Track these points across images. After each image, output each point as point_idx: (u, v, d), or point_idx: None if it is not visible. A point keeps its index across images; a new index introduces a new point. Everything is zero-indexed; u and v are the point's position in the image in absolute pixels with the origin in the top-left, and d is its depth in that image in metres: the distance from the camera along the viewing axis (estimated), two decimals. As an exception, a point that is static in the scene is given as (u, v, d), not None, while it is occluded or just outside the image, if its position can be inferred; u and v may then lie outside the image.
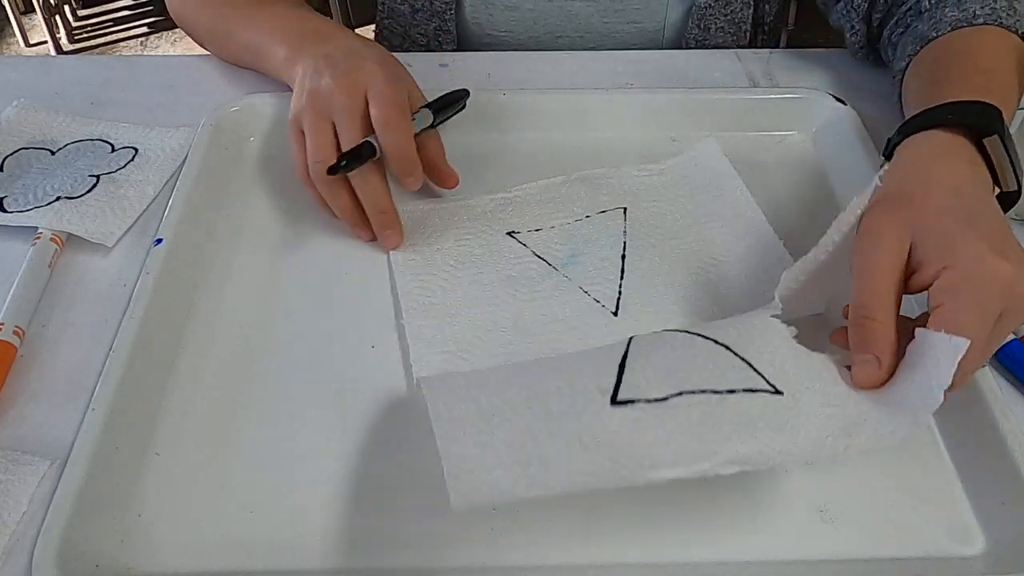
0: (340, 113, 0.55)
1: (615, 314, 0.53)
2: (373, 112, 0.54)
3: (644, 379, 0.41)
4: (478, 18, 0.78)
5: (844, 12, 0.68)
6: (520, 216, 0.59)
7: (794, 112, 0.66)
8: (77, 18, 2.45)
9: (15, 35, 2.30)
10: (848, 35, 0.69)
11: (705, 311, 0.53)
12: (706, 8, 0.75)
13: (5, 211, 0.58)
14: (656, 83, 0.69)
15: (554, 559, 0.42)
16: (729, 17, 0.76)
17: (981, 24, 0.58)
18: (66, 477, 0.42)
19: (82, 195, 0.59)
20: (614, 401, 0.40)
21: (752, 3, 0.76)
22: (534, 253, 0.56)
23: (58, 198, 0.59)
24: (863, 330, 0.43)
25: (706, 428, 0.39)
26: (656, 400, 0.40)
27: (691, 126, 0.63)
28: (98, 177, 0.61)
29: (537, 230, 0.58)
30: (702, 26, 0.76)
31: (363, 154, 0.53)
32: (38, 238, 0.56)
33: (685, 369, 0.41)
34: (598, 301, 0.53)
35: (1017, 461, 0.43)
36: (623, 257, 0.56)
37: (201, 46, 0.74)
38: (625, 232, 0.58)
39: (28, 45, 2.33)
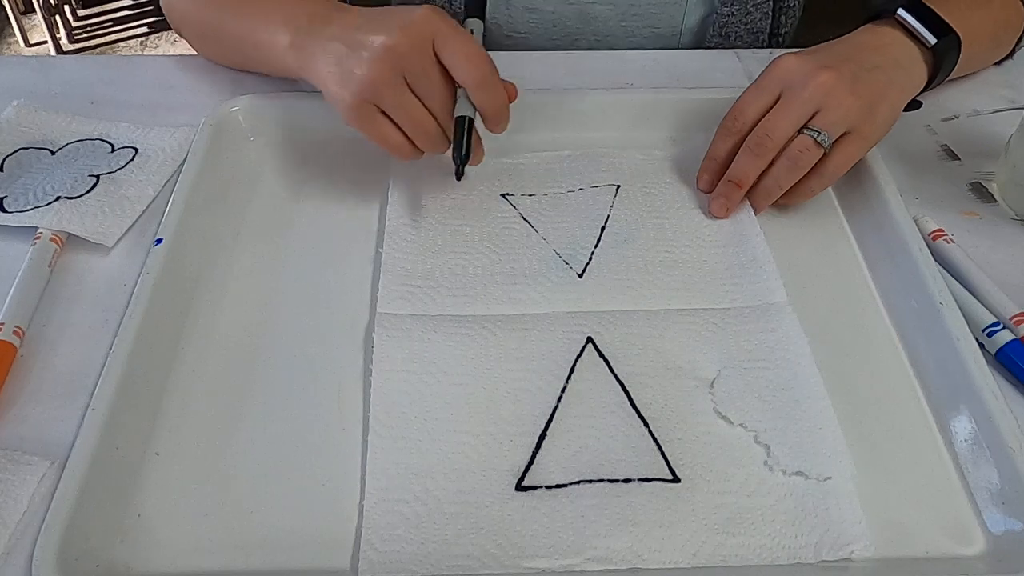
0: (416, 75, 0.50)
1: (580, 276, 0.55)
2: (460, 72, 0.50)
3: (555, 461, 0.44)
4: (497, 18, 0.78)
5: None
6: (518, 180, 0.61)
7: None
8: (77, 18, 2.45)
9: (15, 35, 2.30)
10: None
11: (668, 286, 0.54)
12: (727, 16, 0.76)
13: (5, 211, 0.58)
14: (656, 83, 0.69)
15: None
16: (748, 26, 0.77)
17: None
18: (66, 477, 0.42)
19: (82, 195, 0.59)
20: (519, 486, 0.43)
21: (771, 14, 0.77)
22: (521, 215, 0.59)
23: (58, 198, 0.59)
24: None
25: (587, 522, 0.42)
26: (555, 487, 0.43)
27: (691, 126, 0.63)
28: (98, 177, 0.61)
29: (531, 195, 0.60)
30: (723, 33, 0.77)
31: (468, 134, 0.53)
32: (38, 238, 0.56)
33: (596, 449, 0.44)
34: (567, 263, 0.55)
35: (1017, 461, 0.43)
36: (602, 228, 0.58)
37: (197, 50, 0.72)
38: (612, 207, 0.59)
39: (28, 45, 2.33)
